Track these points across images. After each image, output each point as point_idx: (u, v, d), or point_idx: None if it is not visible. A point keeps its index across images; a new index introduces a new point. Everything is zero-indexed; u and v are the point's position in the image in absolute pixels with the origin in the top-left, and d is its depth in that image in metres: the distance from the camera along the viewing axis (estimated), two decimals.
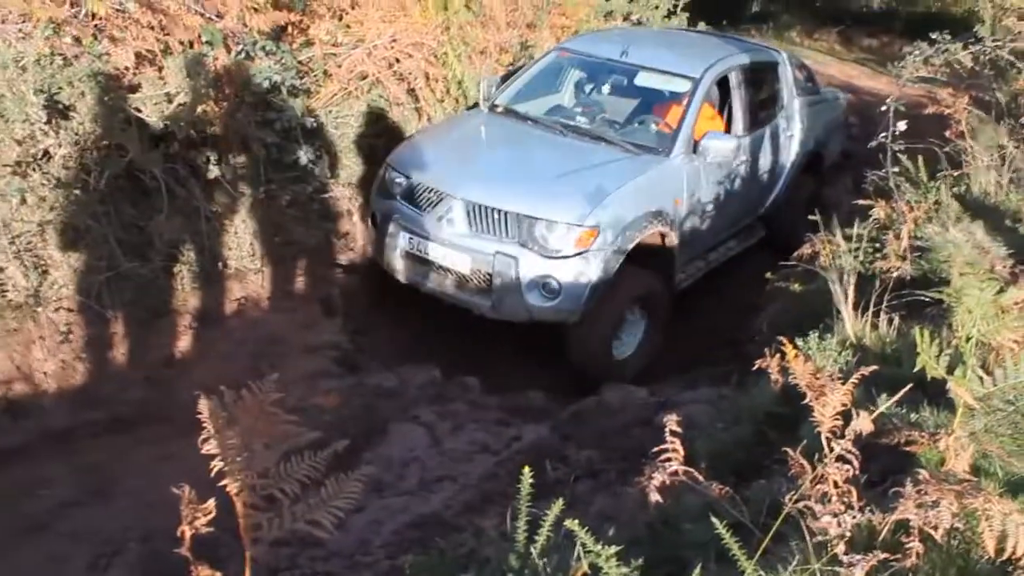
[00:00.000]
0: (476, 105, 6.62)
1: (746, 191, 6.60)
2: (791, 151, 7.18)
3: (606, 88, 6.69)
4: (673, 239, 5.73)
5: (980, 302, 2.52)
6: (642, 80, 6.48)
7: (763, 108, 6.93)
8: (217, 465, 1.75)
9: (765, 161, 6.82)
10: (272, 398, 1.90)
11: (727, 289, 6.49)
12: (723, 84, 6.43)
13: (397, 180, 5.63)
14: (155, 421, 4.53)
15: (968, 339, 2.50)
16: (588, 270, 5.15)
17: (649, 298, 5.66)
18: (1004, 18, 6.64)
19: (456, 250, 5.28)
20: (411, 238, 5.43)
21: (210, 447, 1.74)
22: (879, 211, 4.90)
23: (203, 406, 1.78)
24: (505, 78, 6.82)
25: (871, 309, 3.80)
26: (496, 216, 5.23)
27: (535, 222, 5.15)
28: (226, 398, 1.91)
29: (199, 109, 5.13)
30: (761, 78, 6.94)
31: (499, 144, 6.06)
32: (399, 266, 5.53)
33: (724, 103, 6.56)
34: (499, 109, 6.34)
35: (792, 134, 7.14)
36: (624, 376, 5.47)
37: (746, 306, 5.92)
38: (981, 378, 2.46)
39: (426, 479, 4.05)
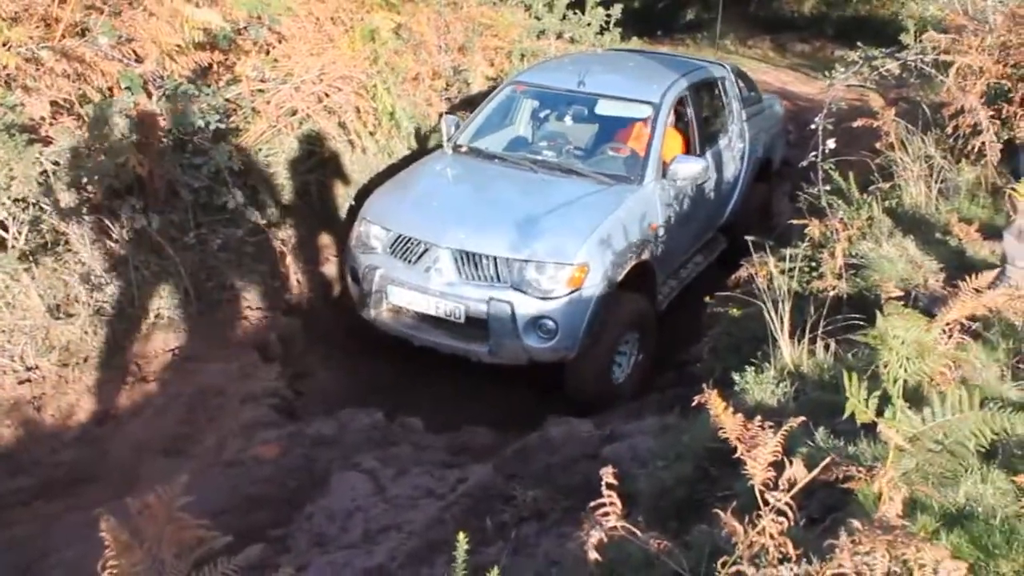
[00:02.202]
0: (440, 145, 6.57)
1: (708, 205, 6.72)
2: (744, 161, 7.32)
3: (567, 119, 6.67)
4: (652, 262, 5.78)
5: (904, 343, 2.52)
6: (603, 109, 6.49)
7: (716, 122, 7.06)
8: None
9: (723, 174, 6.93)
10: (180, 502, 1.83)
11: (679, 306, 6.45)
12: (680, 103, 6.49)
13: (376, 234, 5.56)
14: (88, 482, 4.40)
15: (895, 381, 2.50)
16: (582, 307, 5.16)
17: (640, 320, 5.70)
18: (927, 27, 6.76)
19: (448, 299, 5.23)
20: (399, 291, 5.35)
21: (112, 571, 1.66)
22: (813, 229, 4.93)
23: (103, 525, 1.71)
24: (455, 107, 6.74)
25: (808, 335, 3.80)
26: (484, 262, 5.21)
27: (525, 264, 5.14)
28: (131, 508, 1.84)
29: (121, 158, 4.98)
30: (711, 93, 7.08)
31: (473, 187, 5.97)
32: (388, 320, 5.46)
33: (679, 121, 6.61)
34: (463, 149, 6.29)
35: (743, 144, 7.29)
36: (624, 396, 5.53)
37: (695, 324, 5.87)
38: (910, 418, 2.47)
39: (370, 530, 3.96)
